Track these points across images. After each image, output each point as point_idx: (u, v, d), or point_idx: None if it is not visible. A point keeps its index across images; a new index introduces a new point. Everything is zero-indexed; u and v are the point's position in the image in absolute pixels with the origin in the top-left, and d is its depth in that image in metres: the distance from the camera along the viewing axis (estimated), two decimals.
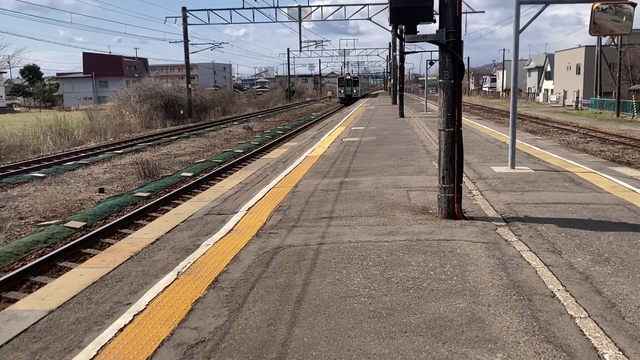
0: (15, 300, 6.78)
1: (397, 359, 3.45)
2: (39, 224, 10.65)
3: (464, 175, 9.29)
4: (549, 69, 77.14)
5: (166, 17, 73.28)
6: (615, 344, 3.54)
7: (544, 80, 79.80)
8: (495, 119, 35.68)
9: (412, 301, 4.34)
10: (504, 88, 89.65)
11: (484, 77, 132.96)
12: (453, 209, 6.84)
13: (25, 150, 23.93)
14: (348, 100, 64.37)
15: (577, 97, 57.50)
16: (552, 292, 4.42)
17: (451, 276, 4.85)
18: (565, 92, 66.03)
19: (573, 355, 3.42)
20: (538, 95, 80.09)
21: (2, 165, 18.49)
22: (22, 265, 8.29)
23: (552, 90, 73.43)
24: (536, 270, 4.92)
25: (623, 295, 4.32)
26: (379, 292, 4.55)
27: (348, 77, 69.28)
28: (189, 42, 43.03)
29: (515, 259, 5.25)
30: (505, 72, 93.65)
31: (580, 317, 3.94)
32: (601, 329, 3.75)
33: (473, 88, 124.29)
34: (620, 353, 3.43)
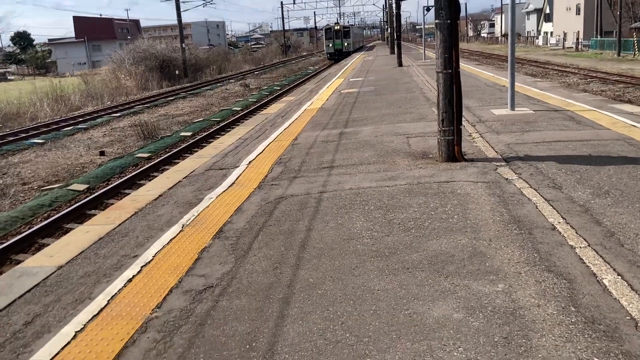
0: (29, 258, 6.89)
1: (400, 293, 3.53)
2: (43, 189, 10.72)
3: (464, 119, 9.26)
4: (548, 11, 75.57)
5: None
6: (614, 269, 3.60)
7: (543, 23, 78.32)
8: (494, 64, 35.21)
9: (413, 240, 4.41)
10: (503, 33, 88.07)
11: (482, 22, 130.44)
12: (453, 152, 6.85)
13: (23, 117, 23.80)
14: (338, 56, 54.19)
15: (577, 39, 56.55)
16: (553, 224, 4.47)
17: (452, 215, 4.91)
18: (565, 34, 64.93)
19: (573, 281, 3.49)
20: (537, 38, 78.77)
21: (1, 134, 18.45)
22: (29, 228, 8.38)
23: (551, 32, 72.16)
24: (537, 205, 4.97)
25: (622, 225, 4.37)
26: (381, 234, 4.61)
27: (337, 27, 56.30)
28: (181, 0, 42.16)
29: (515, 195, 5.29)
30: (503, 16, 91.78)
31: (580, 247, 4.00)
32: (600, 256, 3.82)
33: (471, 34, 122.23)
34: (619, 277, 3.50)
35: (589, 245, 4.02)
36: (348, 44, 55.66)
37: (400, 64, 27.56)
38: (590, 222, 4.48)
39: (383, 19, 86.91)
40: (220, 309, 3.53)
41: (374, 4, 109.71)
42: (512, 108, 10.35)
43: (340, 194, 5.88)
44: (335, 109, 13.19)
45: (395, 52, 29.86)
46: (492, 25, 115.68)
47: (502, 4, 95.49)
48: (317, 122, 11.22)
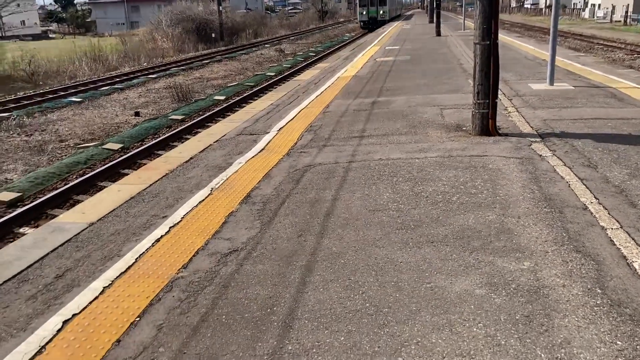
0: (62, 215, 7.11)
1: (422, 266, 3.52)
2: (79, 146, 10.95)
3: (500, 92, 9.05)
4: None
5: None
6: None
7: None
8: (536, 36, 34.11)
9: (440, 214, 4.37)
10: (547, 5, 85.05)
11: None
12: (487, 126, 6.71)
13: (62, 76, 24.23)
14: (373, 25, 49.09)
15: (626, 12, 54.22)
16: (585, 204, 4.37)
17: (482, 190, 4.83)
18: (613, 7, 62.31)
19: (601, 263, 3.42)
20: (584, 11, 75.80)
21: (42, 91, 18.85)
22: (65, 184, 8.60)
23: (599, 5, 69.32)
24: (569, 184, 4.85)
25: None
26: (407, 206, 4.58)
27: None
28: None
29: (548, 173, 5.17)
30: None
31: (612, 228, 3.91)
32: (633, 239, 3.72)
33: (514, 5, 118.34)
34: None
35: (621, 227, 3.92)
36: (384, 12, 50.03)
37: (438, 34, 26.94)
38: (625, 204, 4.35)
39: None
40: (244, 272, 3.59)
41: None
42: (552, 83, 10.04)
43: (369, 164, 5.85)
44: (370, 77, 13.03)
45: (434, 21, 29.16)
46: None
47: None
48: (350, 91, 11.12)
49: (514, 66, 13.29)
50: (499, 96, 8.74)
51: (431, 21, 38.48)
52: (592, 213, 4.19)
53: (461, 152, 6.05)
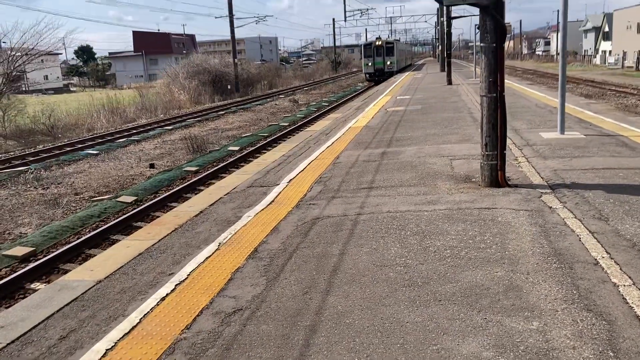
0: (70, 272, 7.13)
1: (430, 327, 3.45)
2: (93, 199, 11.08)
3: (511, 142, 9.06)
4: (606, 29, 73.32)
5: None
6: None
7: (602, 42, 75.97)
8: (547, 83, 34.33)
9: (448, 270, 4.31)
10: (558, 51, 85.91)
11: (537, 40, 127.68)
12: (496, 177, 6.69)
13: (81, 128, 24.81)
14: (379, 76, 44.87)
15: (638, 58, 54.58)
16: (596, 259, 4.29)
17: (490, 245, 4.77)
18: (624, 53, 62.78)
19: (613, 323, 3.32)
20: (595, 57, 76.44)
21: (60, 144, 19.28)
22: (78, 238, 8.67)
23: (610, 51, 69.89)
24: (580, 237, 4.78)
25: None
26: (415, 261, 4.53)
27: (378, 42, 46.45)
28: (234, 17, 43.19)
29: (558, 226, 5.11)
30: (559, 34, 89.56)
31: (624, 285, 3.82)
32: None
33: (526, 52, 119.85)
34: None
35: (634, 284, 3.83)
36: (391, 62, 46.03)
37: (449, 82, 27.27)
38: (638, 259, 4.26)
39: (435, 36, 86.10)
40: (247, 333, 3.54)
41: (425, 21, 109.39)
42: (562, 132, 10.04)
43: (377, 217, 5.83)
44: (380, 127, 13.15)
45: (445, 70, 29.58)
46: (547, 43, 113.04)
47: (558, 22, 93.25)
48: (361, 141, 11.20)
49: (524, 114, 13.33)
50: (509, 146, 8.76)
51: (442, 70, 39.02)
52: (603, 269, 4.11)
53: (470, 205, 6.01)
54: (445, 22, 32.64)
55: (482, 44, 6.53)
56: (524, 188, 6.56)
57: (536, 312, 3.52)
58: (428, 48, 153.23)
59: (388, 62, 45.46)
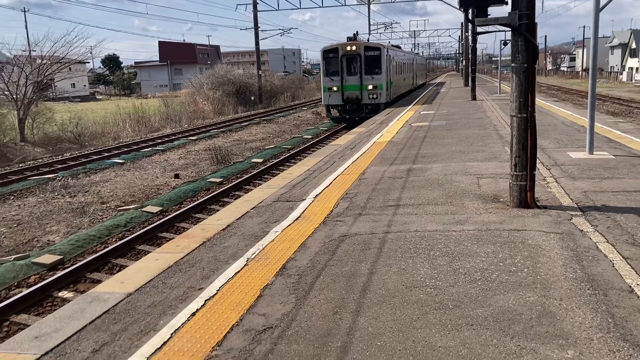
0: (98, 281, 7.23)
1: (463, 352, 3.42)
2: (119, 209, 11.23)
3: (538, 161, 8.96)
4: (634, 45, 72.47)
5: (237, 5, 74.36)
6: None
7: (629, 58, 75.07)
8: (573, 100, 34.00)
9: (479, 293, 4.27)
10: (584, 67, 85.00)
11: (562, 56, 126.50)
12: (525, 198, 6.62)
13: (107, 137, 25.21)
14: (354, 112, 24.89)
15: None
16: (630, 286, 4.21)
17: (521, 268, 4.72)
18: None
19: None
20: (621, 74, 75.45)
21: (86, 152, 19.60)
22: (104, 248, 8.78)
23: (637, 68, 68.99)
24: (613, 263, 4.70)
25: None
26: (445, 283, 4.50)
27: (350, 48, 24.53)
28: (259, 29, 43.63)
29: (590, 250, 5.04)
30: (585, 50, 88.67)
31: None
32: None
33: (550, 68, 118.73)
34: None
35: None
36: (376, 86, 24.87)
37: (474, 98, 27.15)
38: None
39: (458, 50, 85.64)
40: (278, 352, 3.55)
41: (449, 35, 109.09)
42: (591, 152, 9.92)
43: (405, 236, 5.80)
44: (405, 142, 13.12)
45: (469, 85, 29.45)
46: (572, 59, 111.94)
47: (584, 38, 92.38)
48: (386, 157, 11.19)
49: (551, 133, 13.21)
50: (537, 165, 8.67)
51: (466, 84, 38.86)
52: (638, 296, 4.03)
53: (499, 226, 5.96)
54: (470, 37, 32.58)
55: (513, 65, 6.49)
56: (553, 210, 6.48)
57: (571, 340, 3.47)
58: (451, 62, 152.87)
59: (370, 86, 24.78)
